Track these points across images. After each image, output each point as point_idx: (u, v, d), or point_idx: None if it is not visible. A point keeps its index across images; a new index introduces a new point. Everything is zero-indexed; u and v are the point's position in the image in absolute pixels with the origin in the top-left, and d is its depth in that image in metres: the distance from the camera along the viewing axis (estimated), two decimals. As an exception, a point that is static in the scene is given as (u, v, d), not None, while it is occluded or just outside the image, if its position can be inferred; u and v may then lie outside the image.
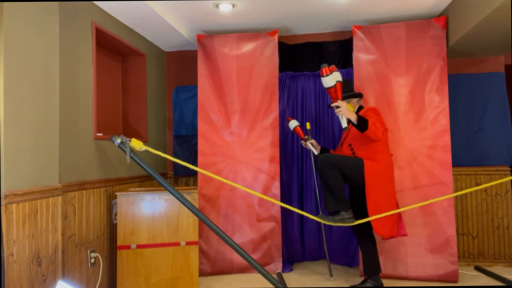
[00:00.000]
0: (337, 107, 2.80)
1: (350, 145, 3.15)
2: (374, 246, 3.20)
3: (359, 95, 3.28)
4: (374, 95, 3.71)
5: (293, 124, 3.72)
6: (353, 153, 3.13)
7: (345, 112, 2.80)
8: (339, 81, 2.84)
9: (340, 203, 2.92)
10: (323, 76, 2.79)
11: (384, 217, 2.94)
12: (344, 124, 2.82)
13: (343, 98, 3.08)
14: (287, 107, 4.20)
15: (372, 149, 3.02)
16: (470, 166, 4.03)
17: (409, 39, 3.67)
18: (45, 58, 2.40)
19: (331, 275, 3.64)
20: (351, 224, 2.90)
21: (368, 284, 3.15)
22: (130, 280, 3.17)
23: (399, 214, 3.12)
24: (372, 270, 3.16)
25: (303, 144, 3.60)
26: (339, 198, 2.93)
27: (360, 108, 3.24)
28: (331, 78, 2.78)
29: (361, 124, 2.83)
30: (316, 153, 3.44)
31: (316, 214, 3.79)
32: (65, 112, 2.73)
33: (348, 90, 3.20)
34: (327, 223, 2.89)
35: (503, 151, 3.97)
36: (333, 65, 2.91)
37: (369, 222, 2.95)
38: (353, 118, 2.82)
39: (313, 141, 3.53)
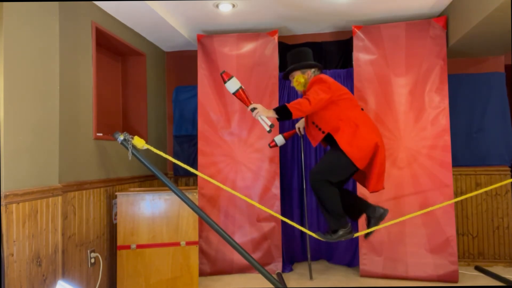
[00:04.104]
0: (253, 109, 2.68)
1: (313, 122, 2.92)
2: (337, 197, 2.80)
3: (314, 65, 3.00)
4: (374, 95, 3.71)
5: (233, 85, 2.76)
6: (319, 129, 2.89)
7: (262, 111, 2.68)
8: (241, 87, 2.71)
9: (339, 221, 2.80)
10: (225, 82, 2.65)
11: (381, 172, 2.81)
12: (266, 127, 2.67)
13: (298, 68, 2.97)
14: (287, 107, 4.19)
15: (332, 121, 2.80)
16: (470, 166, 4.03)
17: (409, 39, 3.66)
18: (45, 58, 2.40)
19: (311, 277, 3.63)
20: (351, 237, 2.84)
21: (340, 232, 2.83)
22: (130, 280, 3.17)
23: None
24: (338, 222, 2.83)
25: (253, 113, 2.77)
26: (337, 214, 2.79)
27: None
28: (233, 83, 2.66)
29: (283, 114, 2.65)
30: (268, 129, 2.73)
31: (309, 217, 3.78)
32: (65, 112, 2.73)
33: (306, 60, 3.02)
34: (327, 240, 2.83)
35: (503, 151, 3.97)
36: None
37: (323, 169, 2.78)
38: (271, 114, 2.69)
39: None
